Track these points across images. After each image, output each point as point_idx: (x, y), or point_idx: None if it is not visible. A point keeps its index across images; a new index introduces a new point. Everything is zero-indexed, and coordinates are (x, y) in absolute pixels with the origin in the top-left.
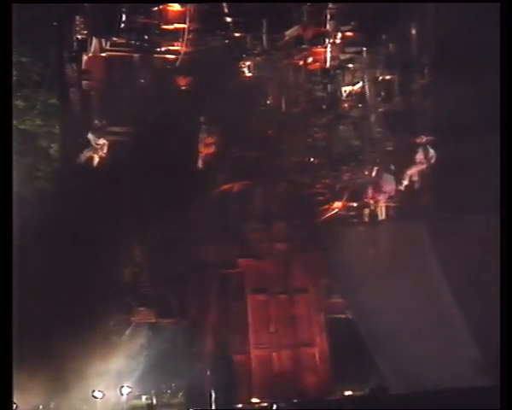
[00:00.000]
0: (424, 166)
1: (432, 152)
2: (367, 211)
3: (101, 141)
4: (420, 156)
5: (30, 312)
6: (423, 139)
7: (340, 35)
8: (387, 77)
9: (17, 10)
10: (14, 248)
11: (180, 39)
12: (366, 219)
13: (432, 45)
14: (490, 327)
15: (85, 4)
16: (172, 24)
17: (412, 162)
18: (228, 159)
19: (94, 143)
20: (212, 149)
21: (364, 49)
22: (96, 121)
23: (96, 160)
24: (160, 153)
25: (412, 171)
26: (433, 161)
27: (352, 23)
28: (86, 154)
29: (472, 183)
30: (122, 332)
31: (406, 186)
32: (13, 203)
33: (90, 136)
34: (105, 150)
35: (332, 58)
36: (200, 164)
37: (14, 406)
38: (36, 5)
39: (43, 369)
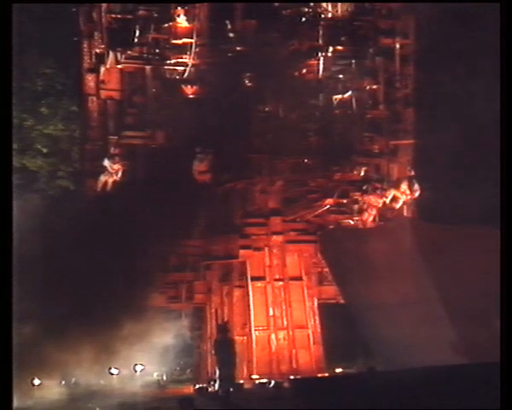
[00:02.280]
0: (408, 197)
1: (417, 187)
2: (356, 207)
3: (117, 166)
4: (404, 187)
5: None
6: (411, 172)
7: (331, 49)
8: (374, 86)
9: (42, 28)
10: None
11: (188, 53)
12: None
13: (413, 58)
14: (466, 314)
15: (103, 21)
16: (181, 39)
17: (397, 188)
18: (230, 160)
19: (110, 169)
20: (206, 177)
21: (353, 61)
22: (112, 149)
23: (110, 182)
24: (169, 157)
25: (396, 195)
26: (416, 195)
27: (342, 38)
28: (102, 179)
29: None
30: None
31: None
32: (37, 200)
33: (106, 162)
34: (119, 175)
35: (324, 69)
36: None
37: (39, 382)
38: (60, 23)
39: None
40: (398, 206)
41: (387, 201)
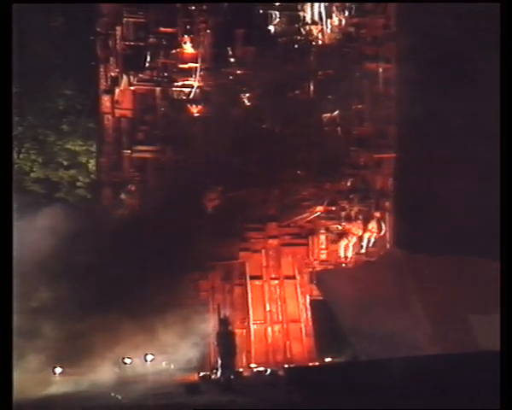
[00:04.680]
0: (375, 235)
1: (384, 227)
2: (343, 214)
3: (132, 201)
4: (373, 225)
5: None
6: (378, 214)
7: (321, 72)
8: (359, 106)
9: (63, 54)
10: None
11: (193, 76)
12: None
13: (395, 81)
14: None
15: (117, 48)
16: (187, 63)
17: (366, 229)
18: (231, 171)
19: (126, 203)
20: (216, 203)
21: (341, 83)
22: (129, 185)
23: (127, 214)
24: (176, 171)
25: (365, 236)
26: (382, 233)
27: (331, 63)
28: (119, 211)
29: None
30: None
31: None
32: (57, 207)
33: (122, 196)
34: (135, 209)
35: (315, 90)
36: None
37: (60, 369)
38: (79, 49)
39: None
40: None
41: (364, 244)
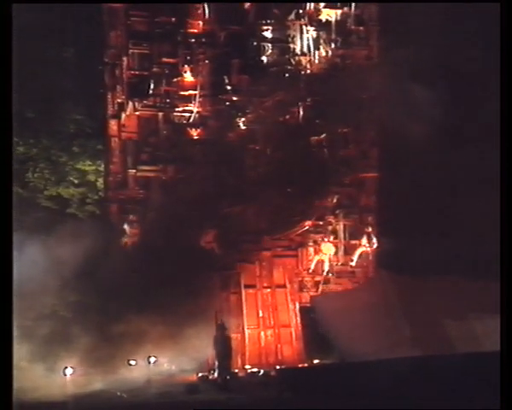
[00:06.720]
0: (367, 249)
1: (375, 240)
2: (330, 228)
3: (134, 231)
4: (364, 241)
5: None
6: (369, 229)
7: (309, 99)
8: (345, 130)
9: (75, 83)
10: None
11: (193, 102)
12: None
13: (377, 106)
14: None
15: (123, 76)
16: (187, 91)
17: (358, 245)
18: (228, 189)
19: (128, 232)
20: (211, 246)
21: (328, 108)
22: (131, 216)
23: (130, 243)
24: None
25: (358, 251)
26: (374, 247)
27: (319, 90)
28: (123, 240)
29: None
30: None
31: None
32: (68, 221)
33: (125, 226)
34: (137, 237)
35: (303, 115)
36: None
37: (72, 370)
38: (89, 78)
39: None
40: (356, 257)
41: (355, 258)
